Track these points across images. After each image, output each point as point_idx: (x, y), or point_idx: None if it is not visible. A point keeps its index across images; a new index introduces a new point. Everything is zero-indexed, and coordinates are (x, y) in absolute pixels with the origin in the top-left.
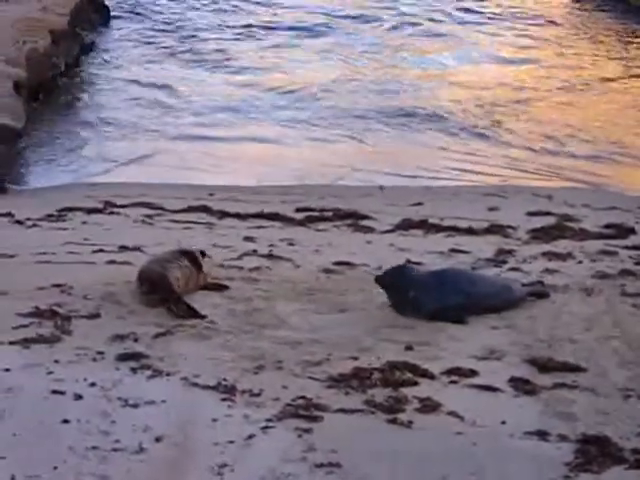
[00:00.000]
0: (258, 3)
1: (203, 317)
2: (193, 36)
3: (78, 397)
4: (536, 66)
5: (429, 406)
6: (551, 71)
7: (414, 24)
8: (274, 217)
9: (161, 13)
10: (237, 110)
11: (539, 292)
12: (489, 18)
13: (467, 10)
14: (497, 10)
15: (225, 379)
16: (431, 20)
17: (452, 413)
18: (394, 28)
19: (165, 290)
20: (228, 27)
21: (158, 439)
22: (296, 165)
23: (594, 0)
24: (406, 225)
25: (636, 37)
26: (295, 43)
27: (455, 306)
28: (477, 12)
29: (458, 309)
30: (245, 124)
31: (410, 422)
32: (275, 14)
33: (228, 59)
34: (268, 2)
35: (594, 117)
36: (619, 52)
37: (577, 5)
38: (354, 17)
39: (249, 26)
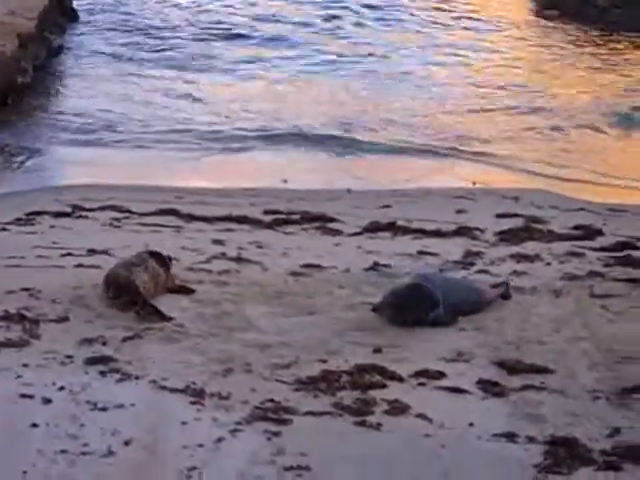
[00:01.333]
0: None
1: (170, 319)
2: (162, 38)
3: (47, 401)
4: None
5: (398, 408)
6: None
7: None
8: (242, 220)
9: (130, 14)
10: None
11: (504, 294)
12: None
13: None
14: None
15: (194, 382)
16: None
17: (420, 415)
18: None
19: (132, 293)
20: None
21: (127, 442)
22: None
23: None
24: (374, 227)
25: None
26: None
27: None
28: None
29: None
30: None
31: (379, 424)
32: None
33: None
34: None
35: None
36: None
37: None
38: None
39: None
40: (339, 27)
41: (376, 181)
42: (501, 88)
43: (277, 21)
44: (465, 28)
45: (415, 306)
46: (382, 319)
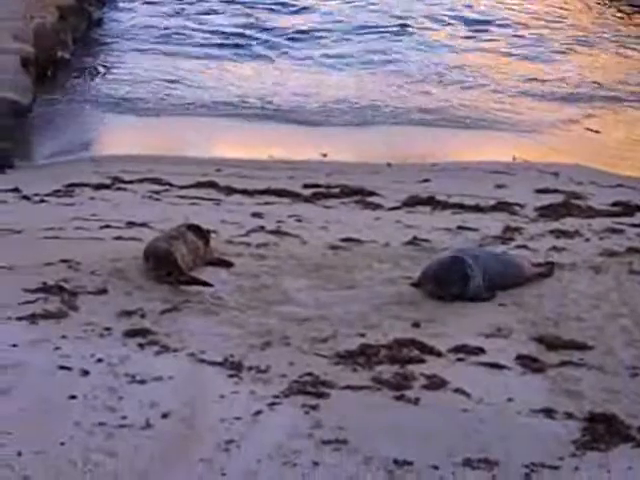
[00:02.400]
0: None
1: (211, 286)
2: (206, 13)
3: (85, 373)
4: None
5: (436, 383)
6: None
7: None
8: (281, 193)
9: None
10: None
11: (546, 273)
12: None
13: None
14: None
15: (232, 355)
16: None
17: (459, 390)
18: None
19: (171, 266)
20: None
21: (165, 415)
22: None
23: None
24: (413, 202)
25: None
26: None
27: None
28: None
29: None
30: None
31: (417, 399)
32: None
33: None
34: None
35: None
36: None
37: None
38: None
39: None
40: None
41: (416, 155)
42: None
43: None
44: None
45: (455, 280)
46: (422, 293)
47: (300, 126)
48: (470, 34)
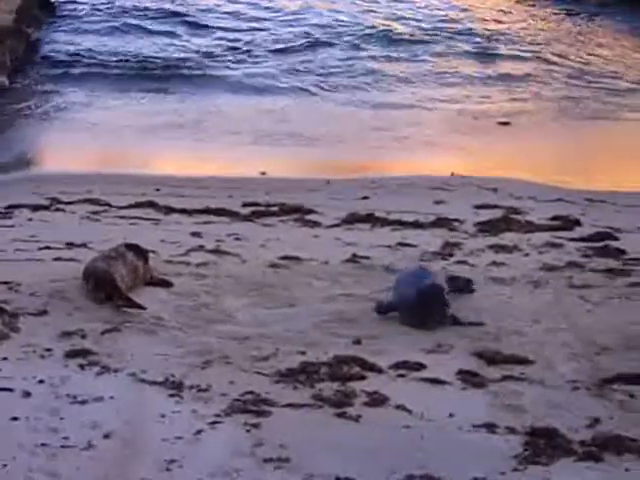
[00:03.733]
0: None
1: (144, 308)
2: (141, 28)
3: (27, 394)
4: None
5: (377, 400)
6: None
7: None
8: (220, 212)
9: (109, 8)
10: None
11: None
12: None
13: None
14: None
15: (173, 375)
16: None
17: (400, 406)
18: None
19: (110, 287)
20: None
21: (107, 435)
22: None
23: None
24: (352, 219)
25: None
26: None
27: None
28: None
29: None
30: None
31: (358, 416)
32: None
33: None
34: None
35: None
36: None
37: None
38: None
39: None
40: None
41: (355, 171)
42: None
43: None
44: None
45: (439, 308)
46: (363, 310)
47: (239, 144)
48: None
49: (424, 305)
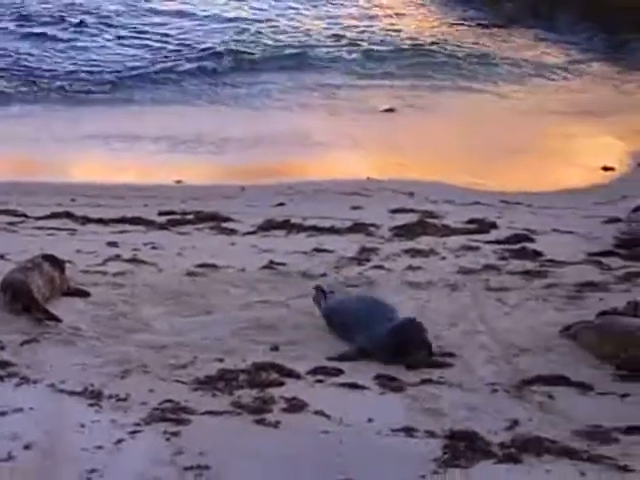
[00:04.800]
0: None
1: (60, 321)
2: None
3: None
4: None
5: (296, 406)
6: None
7: None
8: (136, 221)
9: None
10: None
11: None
12: None
13: None
14: None
15: (92, 384)
16: None
17: (319, 412)
18: None
19: (27, 298)
20: None
21: (27, 447)
22: None
23: None
24: (268, 226)
25: None
26: None
27: None
28: None
29: None
30: None
31: (277, 422)
32: None
33: None
34: None
35: None
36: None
37: None
38: None
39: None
40: None
41: (271, 177)
42: None
43: None
44: None
45: (421, 344)
46: (280, 317)
47: (154, 152)
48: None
49: (406, 345)
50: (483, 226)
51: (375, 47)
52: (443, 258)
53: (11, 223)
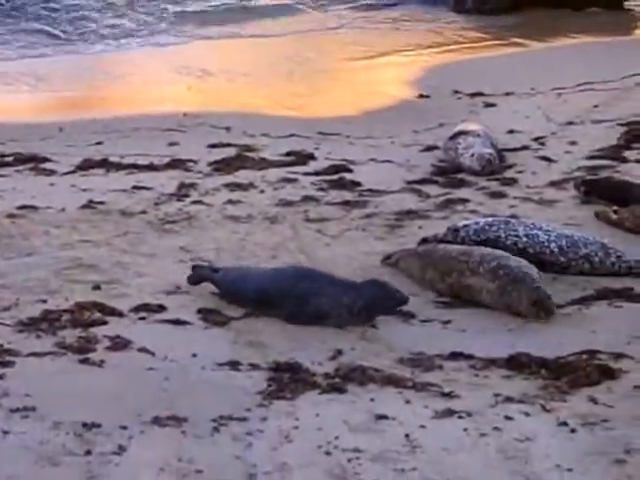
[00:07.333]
0: None
1: None
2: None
3: None
4: None
5: (119, 344)
6: None
7: None
8: None
9: None
10: None
11: None
12: None
13: None
14: None
15: None
16: None
17: (143, 349)
18: None
19: None
20: None
21: None
22: None
23: None
24: (87, 165)
25: None
26: None
27: None
28: None
29: None
30: None
31: (102, 361)
32: None
33: None
34: None
35: None
36: None
37: None
38: None
39: None
40: None
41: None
42: None
43: None
44: None
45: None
46: (102, 256)
47: None
48: None
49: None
50: (301, 158)
51: None
52: (262, 191)
53: None
